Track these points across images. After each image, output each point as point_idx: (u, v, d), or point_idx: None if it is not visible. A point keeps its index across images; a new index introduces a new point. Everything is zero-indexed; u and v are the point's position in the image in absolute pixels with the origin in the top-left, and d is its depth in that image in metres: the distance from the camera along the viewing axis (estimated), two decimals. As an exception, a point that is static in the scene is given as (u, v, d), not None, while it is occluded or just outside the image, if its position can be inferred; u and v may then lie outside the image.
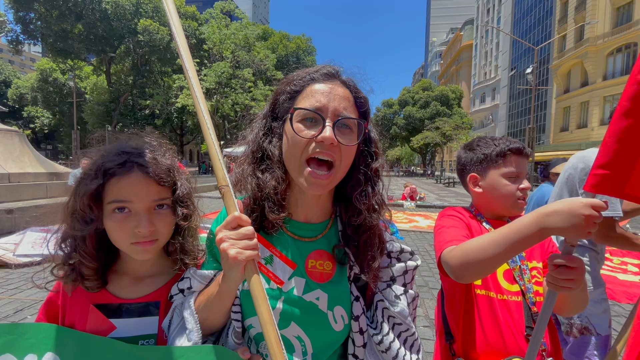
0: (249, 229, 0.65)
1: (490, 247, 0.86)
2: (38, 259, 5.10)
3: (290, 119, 0.74)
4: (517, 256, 1.12)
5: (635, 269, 5.00)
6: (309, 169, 0.72)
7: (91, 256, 0.81)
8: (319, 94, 0.74)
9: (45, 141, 51.13)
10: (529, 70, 23.25)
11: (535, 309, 1.08)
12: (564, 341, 1.72)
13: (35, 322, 0.84)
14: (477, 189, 1.25)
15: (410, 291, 0.81)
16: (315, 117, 0.73)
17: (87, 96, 34.56)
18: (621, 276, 4.69)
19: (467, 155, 1.30)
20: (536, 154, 24.87)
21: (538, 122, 39.88)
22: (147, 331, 0.85)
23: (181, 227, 0.87)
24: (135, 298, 0.87)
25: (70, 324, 0.83)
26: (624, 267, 5.09)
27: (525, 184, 1.18)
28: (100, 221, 0.80)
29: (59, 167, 9.90)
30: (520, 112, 47.87)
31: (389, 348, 0.75)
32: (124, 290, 0.87)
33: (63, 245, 0.83)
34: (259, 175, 0.78)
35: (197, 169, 33.81)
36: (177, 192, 0.86)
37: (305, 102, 0.74)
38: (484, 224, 1.22)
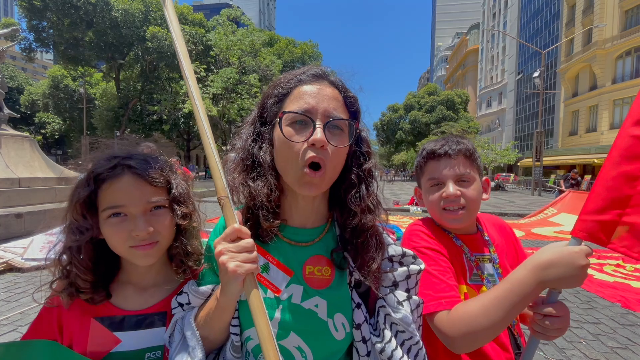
0: (249, 241, 0.64)
1: (495, 311, 0.77)
2: (49, 262, 5.15)
3: (280, 123, 0.72)
4: (495, 274, 1.01)
5: (650, 276, 4.86)
6: (303, 170, 0.70)
7: (87, 268, 0.78)
8: (307, 95, 0.73)
9: (55, 146, 52.07)
10: (536, 74, 23.10)
11: (516, 331, 1.01)
12: None
13: (21, 339, 0.79)
14: (422, 202, 1.13)
15: (414, 297, 0.78)
16: (305, 120, 0.71)
17: (96, 102, 35.15)
18: (635, 283, 4.56)
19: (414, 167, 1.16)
20: (544, 159, 24.57)
21: (546, 126, 39.46)
22: (153, 343, 0.82)
23: (182, 228, 0.85)
24: (140, 309, 0.84)
25: (68, 339, 0.79)
26: (637, 274, 4.96)
27: (448, 190, 1.00)
28: (96, 230, 0.78)
29: (68, 172, 10.04)
30: (527, 116, 47.41)
31: (391, 357, 0.71)
32: (127, 301, 0.84)
33: (61, 258, 0.80)
34: (251, 183, 0.75)
35: (204, 173, 34.08)
36: (173, 191, 0.83)
37: (294, 104, 0.73)
38: (455, 240, 1.06)
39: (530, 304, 0.81)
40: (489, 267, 1.03)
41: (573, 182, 13.31)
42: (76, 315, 0.80)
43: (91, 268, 0.79)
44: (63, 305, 0.80)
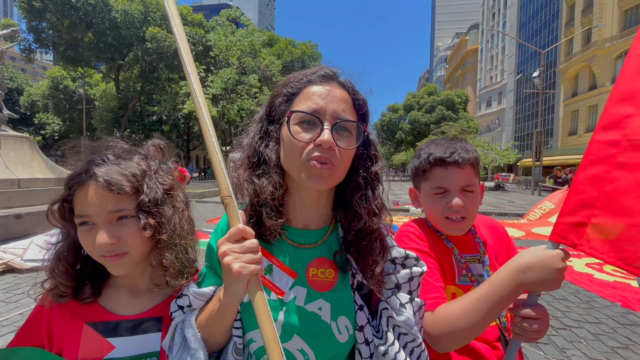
0: (254, 242, 0.63)
1: (475, 312, 0.79)
2: (46, 264, 5.14)
3: (288, 122, 0.72)
4: (485, 275, 1.02)
5: (650, 276, 4.86)
6: (309, 162, 0.70)
7: (66, 273, 0.77)
8: (316, 96, 0.72)
9: (55, 147, 52.05)
10: (535, 74, 23.09)
11: (507, 334, 1.01)
12: None
13: (8, 346, 0.77)
14: (417, 204, 1.11)
15: (416, 299, 0.78)
16: (313, 120, 0.71)
17: (96, 103, 35.10)
18: (635, 283, 4.56)
19: (410, 165, 1.14)
20: (544, 159, 24.56)
21: (546, 126, 39.50)
22: (149, 349, 0.80)
23: (155, 239, 0.79)
24: (135, 314, 0.81)
25: (58, 345, 0.77)
26: (637, 273, 4.96)
27: (456, 201, 0.98)
28: (75, 235, 0.76)
29: (68, 173, 10.02)
30: (527, 116, 47.45)
31: (394, 359, 0.71)
32: (121, 306, 0.81)
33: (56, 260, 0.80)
34: (256, 180, 0.75)
35: (201, 174, 34.09)
36: (141, 197, 0.77)
37: (303, 104, 0.73)
38: (446, 242, 1.07)
39: (510, 305, 0.82)
40: (479, 268, 1.03)
41: (559, 179, 13.10)
42: (67, 320, 0.78)
43: (72, 274, 0.77)
44: (52, 305, 0.78)
